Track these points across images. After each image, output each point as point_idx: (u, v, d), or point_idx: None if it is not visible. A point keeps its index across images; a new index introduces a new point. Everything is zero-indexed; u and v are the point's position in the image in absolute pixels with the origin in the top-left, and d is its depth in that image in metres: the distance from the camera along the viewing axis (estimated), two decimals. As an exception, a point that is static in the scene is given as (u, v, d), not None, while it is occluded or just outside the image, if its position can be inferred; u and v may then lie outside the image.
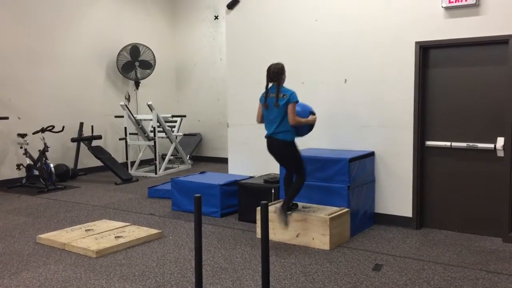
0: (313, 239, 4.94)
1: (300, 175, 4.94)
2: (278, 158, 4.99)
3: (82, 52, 9.81)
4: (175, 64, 11.88)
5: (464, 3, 5.02)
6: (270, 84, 4.84)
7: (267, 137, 4.91)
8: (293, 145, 4.88)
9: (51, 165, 8.28)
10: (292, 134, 4.83)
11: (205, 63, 11.35)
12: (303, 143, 6.22)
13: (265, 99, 4.84)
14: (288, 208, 4.98)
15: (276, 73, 4.78)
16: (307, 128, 5.07)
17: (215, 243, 5.11)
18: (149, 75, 10.74)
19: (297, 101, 4.75)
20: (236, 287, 3.99)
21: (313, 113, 5.07)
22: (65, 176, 8.97)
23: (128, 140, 9.83)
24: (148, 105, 9.52)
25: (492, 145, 5.09)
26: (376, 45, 5.65)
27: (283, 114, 4.73)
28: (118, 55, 10.31)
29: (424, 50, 5.40)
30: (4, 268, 4.50)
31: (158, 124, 9.67)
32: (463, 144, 5.28)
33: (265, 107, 4.85)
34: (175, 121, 10.56)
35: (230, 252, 4.80)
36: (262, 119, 5.00)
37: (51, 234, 5.35)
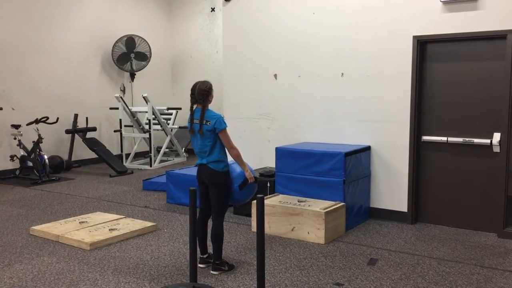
0: (308, 233, 4.93)
1: (219, 219, 4.15)
2: (204, 190, 4.21)
3: (77, 43, 9.73)
4: (171, 56, 11.81)
5: (462, -3, 5.00)
6: (195, 106, 4.19)
7: (198, 164, 4.20)
8: (226, 176, 4.12)
9: (45, 157, 8.24)
10: (225, 164, 4.12)
11: (201, 55, 11.28)
12: (299, 136, 6.22)
13: (190, 124, 4.18)
14: (217, 267, 4.15)
15: (202, 94, 4.12)
16: (244, 193, 4.25)
17: (210, 237, 5.08)
18: (145, 67, 10.68)
19: (225, 127, 4.07)
20: (230, 280, 3.98)
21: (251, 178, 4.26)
22: (59, 168, 8.92)
23: (123, 132, 9.78)
24: (144, 97, 9.47)
25: (488, 141, 5.09)
26: (374, 39, 5.62)
27: (211, 142, 4.07)
28: (113, 47, 10.23)
29: (422, 45, 5.37)
30: (-3, 259, 4.47)
31: (153, 116, 9.62)
32: (459, 140, 5.27)
33: (191, 133, 4.19)
34: (171, 114, 10.52)
35: (224, 246, 4.77)
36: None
37: (44, 226, 5.31)
